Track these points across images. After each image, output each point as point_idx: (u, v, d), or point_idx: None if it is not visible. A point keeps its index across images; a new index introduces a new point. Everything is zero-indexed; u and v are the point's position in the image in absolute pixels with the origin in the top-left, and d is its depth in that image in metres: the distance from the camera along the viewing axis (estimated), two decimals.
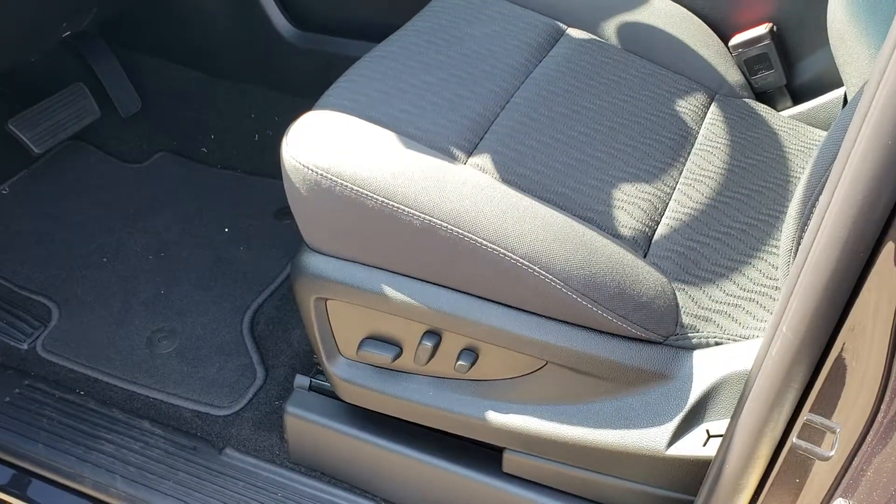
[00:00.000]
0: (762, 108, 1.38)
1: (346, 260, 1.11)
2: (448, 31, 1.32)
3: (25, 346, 1.56)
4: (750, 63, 1.43)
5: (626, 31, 1.41)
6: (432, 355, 1.12)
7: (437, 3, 1.41)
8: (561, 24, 1.40)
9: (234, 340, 1.58)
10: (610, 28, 1.41)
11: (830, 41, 1.26)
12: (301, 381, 1.33)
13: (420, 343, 1.11)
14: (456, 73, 1.23)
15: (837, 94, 1.39)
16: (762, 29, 1.43)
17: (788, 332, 0.78)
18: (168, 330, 1.60)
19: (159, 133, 2.04)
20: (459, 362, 1.10)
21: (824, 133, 1.36)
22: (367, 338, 1.15)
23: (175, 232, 1.81)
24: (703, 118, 1.31)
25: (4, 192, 1.87)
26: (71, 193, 1.88)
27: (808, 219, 0.87)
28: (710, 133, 1.28)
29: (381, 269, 1.09)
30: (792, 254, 0.88)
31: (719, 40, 1.46)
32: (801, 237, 0.88)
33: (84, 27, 1.91)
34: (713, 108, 1.34)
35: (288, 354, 1.56)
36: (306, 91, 1.69)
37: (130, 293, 1.67)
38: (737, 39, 1.45)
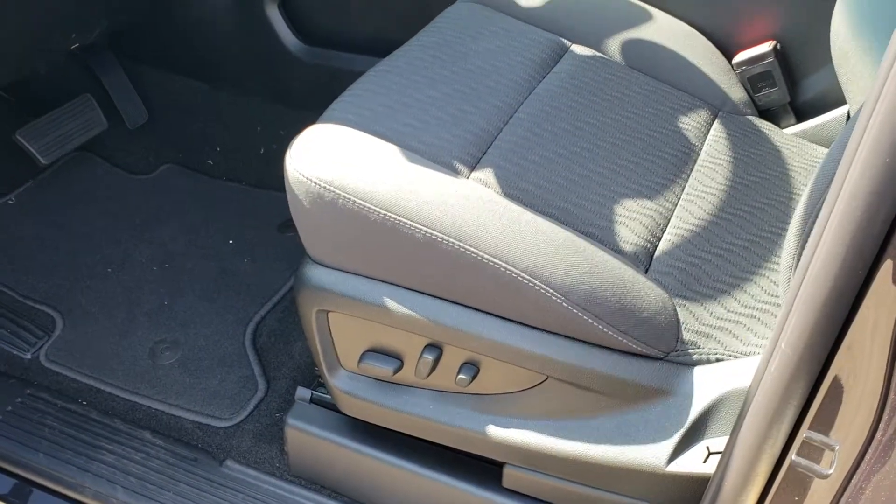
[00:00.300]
0: (765, 126, 1.38)
1: (348, 272, 1.11)
2: (453, 46, 1.33)
3: (29, 356, 1.56)
4: (754, 80, 1.44)
5: (630, 47, 1.42)
6: (433, 369, 1.12)
7: (442, 19, 1.42)
8: (565, 41, 1.41)
9: (236, 352, 1.59)
10: (614, 45, 1.42)
11: (833, 59, 1.27)
12: (302, 393, 1.33)
13: (421, 356, 1.11)
14: (460, 89, 1.24)
15: (841, 111, 1.39)
16: (766, 47, 1.44)
17: (787, 349, 0.78)
18: (171, 341, 1.61)
19: (165, 145, 2.05)
20: (460, 376, 1.10)
21: (827, 150, 1.36)
22: (369, 350, 1.15)
23: (180, 243, 1.82)
24: (706, 135, 1.31)
25: (11, 202, 1.88)
26: (77, 204, 1.89)
27: (808, 236, 0.87)
28: (713, 150, 1.29)
29: (383, 281, 1.09)
30: (792, 270, 0.88)
31: (723, 57, 1.47)
32: (800, 254, 0.88)
33: (93, 39, 1.92)
34: (716, 124, 1.34)
35: (290, 366, 1.56)
36: (312, 104, 1.70)
37: (134, 304, 1.68)
38: (741, 57, 1.45)
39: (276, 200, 1.92)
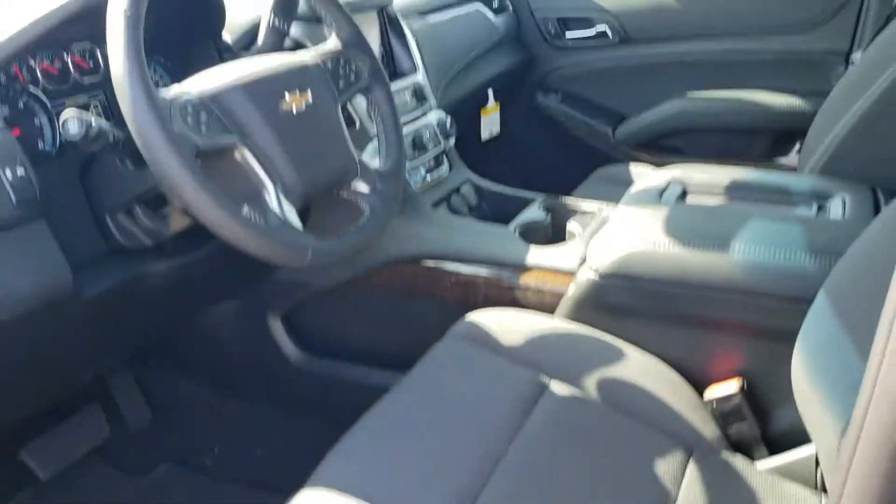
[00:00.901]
0: (739, 463, 1.44)
1: None
2: (440, 390, 1.43)
3: None
4: (724, 415, 1.51)
5: (604, 384, 1.51)
6: None
7: (430, 358, 1.52)
8: (544, 377, 1.50)
9: None
10: (590, 382, 1.51)
11: (797, 403, 1.34)
12: None
13: None
14: (447, 439, 1.32)
15: (812, 448, 1.45)
16: (734, 383, 1.53)
17: None
18: None
19: (165, 444, 2.11)
20: None
21: (801, 488, 1.40)
22: None
23: None
24: (681, 478, 1.37)
25: None
26: None
27: None
28: (689, 494, 1.33)
29: None
30: None
31: (694, 392, 1.56)
32: None
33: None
34: (691, 466, 1.40)
35: None
36: (310, 411, 1.77)
37: None
38: (710, 392, 1.54)
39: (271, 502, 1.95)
